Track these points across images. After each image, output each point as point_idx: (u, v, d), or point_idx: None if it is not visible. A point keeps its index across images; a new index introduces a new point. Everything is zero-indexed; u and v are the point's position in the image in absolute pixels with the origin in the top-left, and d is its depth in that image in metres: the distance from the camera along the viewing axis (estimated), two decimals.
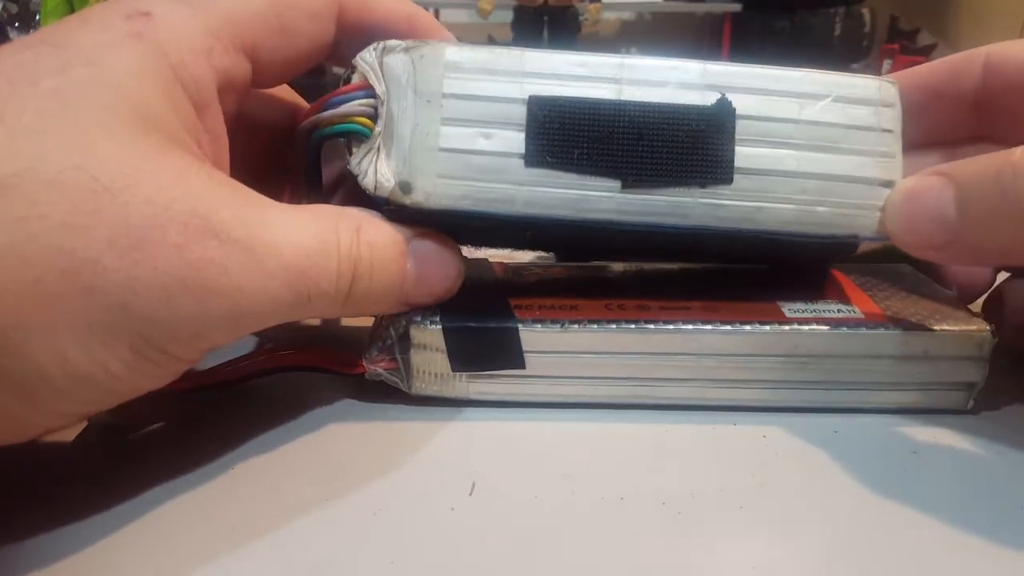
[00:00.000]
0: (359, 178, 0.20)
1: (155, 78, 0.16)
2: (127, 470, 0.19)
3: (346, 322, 0.26)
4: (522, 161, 0.20)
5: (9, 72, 0.15)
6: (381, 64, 0.20)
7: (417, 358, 0.21)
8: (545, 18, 0.88)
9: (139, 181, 0.15)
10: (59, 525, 0.17)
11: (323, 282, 0.18)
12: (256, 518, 0.18)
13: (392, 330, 0.21)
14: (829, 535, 0.17)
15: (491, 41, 1.11)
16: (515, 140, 0.20)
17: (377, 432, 0.21)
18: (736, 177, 0.20)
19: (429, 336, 0.21)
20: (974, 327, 0.21)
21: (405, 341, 0.21)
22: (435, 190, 0.20)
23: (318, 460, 0.20)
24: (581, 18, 0.92)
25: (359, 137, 0.20)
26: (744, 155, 0.20)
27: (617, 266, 0.26)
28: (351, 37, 0.21)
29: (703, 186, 0.20)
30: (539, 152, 0.20)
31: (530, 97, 0.20)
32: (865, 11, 1.11)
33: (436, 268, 0.21)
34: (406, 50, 0.20)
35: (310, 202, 0.21)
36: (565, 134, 0.20)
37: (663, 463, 0.20)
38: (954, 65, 0.24)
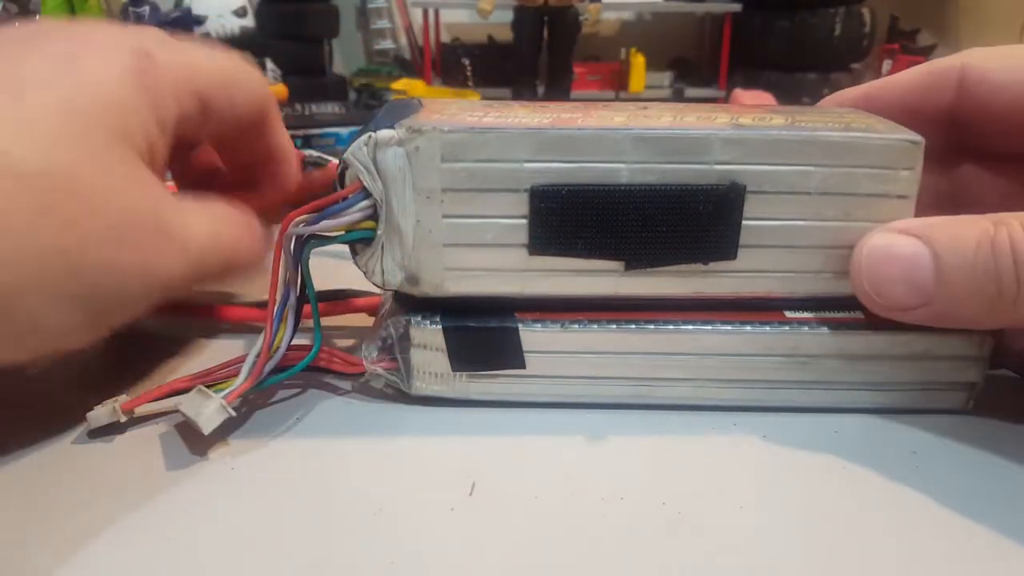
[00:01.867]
0: (366, 275, 0.21)
1: (141, 109, 0.19)
2: (125, 469, 0.19)
3: (346, 322, 0.26)
4: (526, 250, 0.20)
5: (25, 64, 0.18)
6: (375, 161, 0.19)
7: (417, 358, 0.21)
8: (545, 18, 0.87)
9: (122, 188, 0.19)
10: (59, 524, 0.17)
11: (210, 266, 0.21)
12: (256, 518, 0.18)
13: (392, 330, 0.21)
14: (829, 535, 0.17)
15: (490, 41, 1.10)
16: (518, 229, 0.20)
17: (377, 432, 0.21)
18: (740, 252, 0.20)
19: (429, 336, 0.21)
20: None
21: (405, 341, 0.21)
22: (442, 282, 0.21)
23: (318, 460, 0.20)
24: (581, 18, 0.92)
25: (364, 240, 0.20)
26: (750, 228, 0.20)
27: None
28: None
29: (706, 264, 0.20)
30: (542, 242, 0.20)
31: (532, 188, 0.20)
32: (865, 11, 1.11)
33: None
34: (400, 143, 0.19)
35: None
36: (568, 223, 0.20)
37: (663, 463, 0.20)
38: (928, 81, 0.24)
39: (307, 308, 0.22)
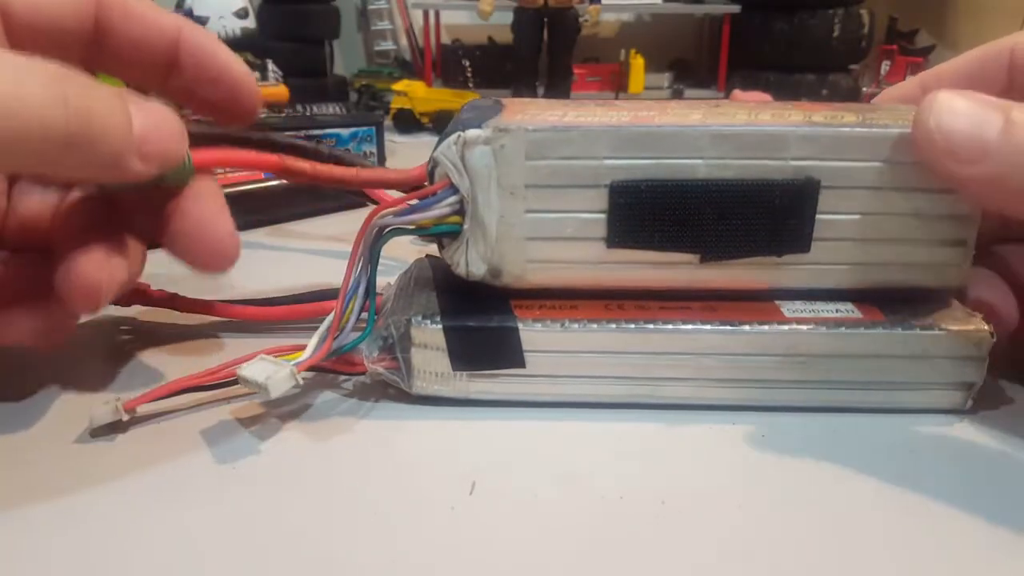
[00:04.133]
0: (451, 267, 0.21)
1: None
2: (127, 469, 0.19)
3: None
4: (604, 243, 0.21)
5: None
6: (463, 159, 0.20)
7: (418, 357, 0.22)
8: (545, 19, 0.88)
9: None
10: (59, 522, 0.17)
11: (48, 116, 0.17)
12: (256, 517, 0.18)
13: (393, 329, 0.22)
14: (828, 535, 0.17)
15: (490, 42, 1.11)
16: (597, 224, 0.21)
17: (377, 432, 0.21)
18: (814, 244, 0.21)
19: (430, 335, 0.21)
20: (973, 327, 0.21)
21: (406, 340, 0.21)
22: (523, 274, 0.21)
23: (318, 460, 0.20)
24: (581, 19, 0.92)
25: (450, 233, 0.21)
26: (824, 222, 0.21)
27: None
28: (114, 44, 0.22)
29: (780, 256, 0.21)
30: (621, 235, 0.21)
31: (612, 184, 0.20)
32: (864, 12, 1.11)
33: (162, 125, 0.19)
34: (487, 142, 0.20)
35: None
36: (646, 217, 0.21)
37: (663, 463, 0.20)
38: (980, 67, 0.24)
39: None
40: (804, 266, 0.21)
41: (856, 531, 0.17)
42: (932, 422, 0.22)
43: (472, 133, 0.20)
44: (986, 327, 0.21)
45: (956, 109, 0.19)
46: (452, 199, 0.21)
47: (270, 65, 0.69)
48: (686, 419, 0.22)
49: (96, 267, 0.20)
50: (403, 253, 0.33)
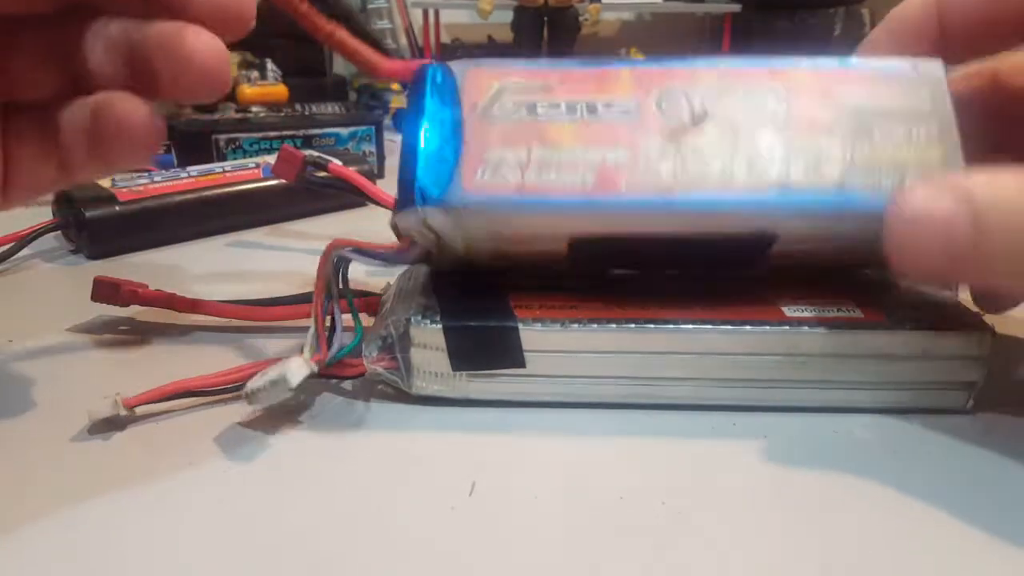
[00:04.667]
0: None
1: None
2: (125, 468, 0.19)
3: (346, 322, 0.26)
4: (567, 256, 0.22)
5: None
6: (426, 225, 0.20)
7: (417, 357, 0.21)
8: (545, 18, 0.88)
9: None
10: (57, 520, 0.17)
11: None
12: (256, 517, 0.18)
13: (392, 329, 0.21)
14: (829, 535, 0.17)
15: (490, 41, 1.11)
16: (560, 247, 0.21)
17: (377, 432, 0.21)
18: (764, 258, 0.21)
19: (429, 335, 0.21)
20: (973, 327, 0.21)
21: (405, 340, 0.21)
22: (492, 262, 0.23)
23: (317, 460, 0.20)
24: (581, 18, 0.92)
25: None
26: (778, 253, 0.21)
27: None
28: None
29: (735, 276, 0.23)
30: (582, 265, 0.22)
31: (570, 239, 0.21)
32: (865, 11, 1.11)
33: None
34: (448, 217, 0.20)
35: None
36: (606, 257, 0.22)
37: (663, 463, 0.20)
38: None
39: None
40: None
41: (857, 531, 0.17)
42: (933, 422, 0.22)
43: (432, 215, 0.20)
44: (987, 327, 0.21)
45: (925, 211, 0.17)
46: (415, 254, 0.22)
47: (269, 64, 0.69)
48: (686, 419, 0.22)
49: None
50: None
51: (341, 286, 0.23)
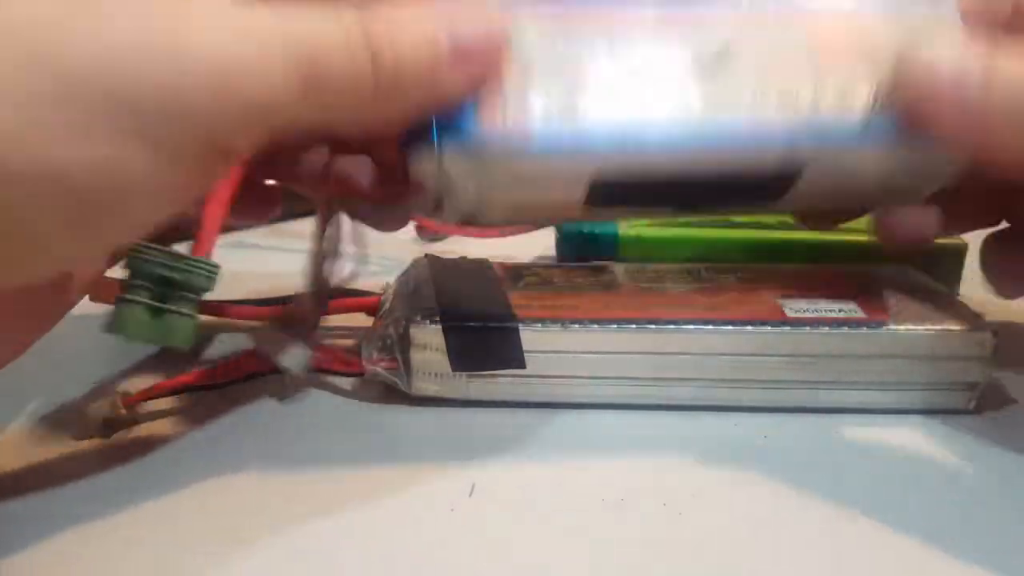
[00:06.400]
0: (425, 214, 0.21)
1: None
2: (124, 465, 0.19)
3: (346, 322, 0.26)
4: (584, 203, 0.19)
5: None
6: (440, 168, 0.18)
7: (417, 358, 0.21)
8: None
9: None
10: (59, 520, 0.17)
11: (334, 56, 0.15)
12: (256, 517, 0.18)
13: (392, 330, 0.21)
14: (830, 535, 0.17)
15: None
16: (579, 196, 0.19)
17: (377, 432, 0.21)
18: (790, 192, 0.20)
19: (429, 336, 0.21)
20: (976, 327, 0.21)
21: (405, 341, 0.21)
22: (499, 219, 0.21)
23: (318, 460, 0.20)
24: None
25: None
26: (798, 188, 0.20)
27: (618, 266, 0.26)
28: None
29: (759, 206, 0.21)
30: (601, 206, 0.20)
31: (590, 183, 0.19)
32: None
33: (474, 27, 0.16)
34: (465, 164, 0.18)
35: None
36: (626, 197, 0.20)
37: (663, 463, 0.20)
38: None
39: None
40: (784, 201, 0.20)
41: (858, 531, 0.17)
42: (936, 422, 0.21)
43: (450, 160, 0.18)
44: (989, 327, 0.21)
45: (941, 60, 0.18)
46: (428, 198, 0.19)
47: None
48: (688, 420, 0.22)
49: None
50: (403, 253, 0.33)
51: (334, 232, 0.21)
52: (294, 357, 0.20)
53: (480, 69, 0.17)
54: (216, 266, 0.20)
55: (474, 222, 0.20)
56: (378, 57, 0.15)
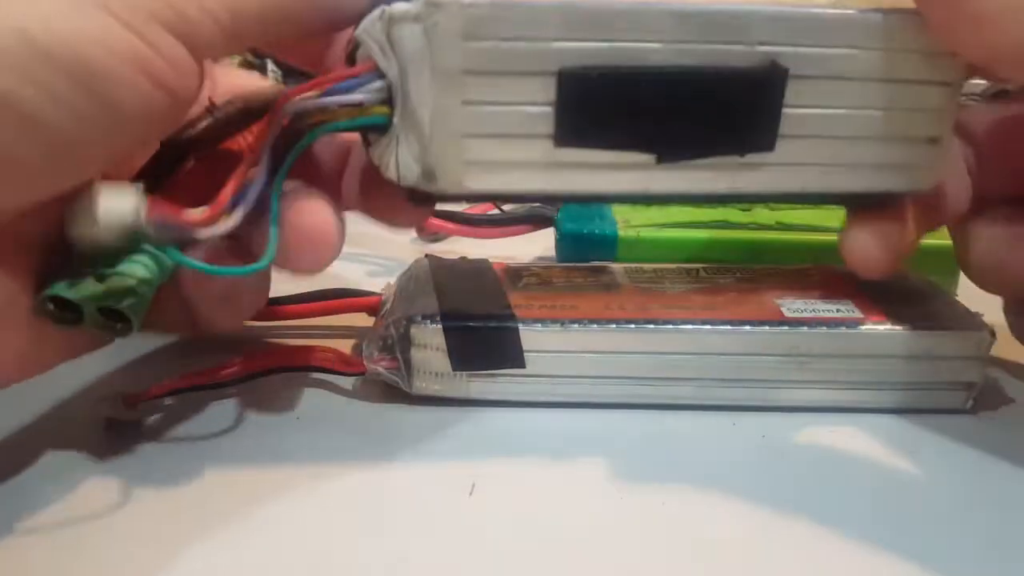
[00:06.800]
0: (381, 170, 0.19)
1: None
2: (124, 466, 0.19)
3: (346, 322, 0.26)
4: (551, 141, 0.18)
5: None
6: (389, 39, 0.17)
7: (418, 357, 0.21)
8: None
9: None
10: (60, 521, 0.17)
11: None
12: (256, 517, 0.18)
13: (393, 329, 0.21)
14: (828, 535, 0.17)
15: None
16: (545, 119, 0.18)
17: (377, 432, 0.21)
18: (779, 142, 0.19)
19: (430, 335, 0.21)
20: (973, 327, 0.21)
21: (405, 340, 0.21)
22: (462, 177, 0.19)
23: (318, 459, 0.20)
24: None
25: (376, 127, 0.18)
26: (790, 117, 0.19)
27: (617, 266, 0.26)
28: None
29: (742, 155, 0.19)
30: (570, 131, 0.18)
31: (561, 70, 0.18)
32: None
33: None
34: (417, 19, 0.17)
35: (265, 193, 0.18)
36: (599, 110, 0.18)
37: (663, 463, 0.20)
38: None
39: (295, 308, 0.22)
40: (768, 167, 0.19)
41: (857, 531, 0.17)
42: (933, 422, 0.22)
43: (400, 7, 0.17)
44: (986, 327, 0.21)
45: None
46: (377, 84, 0.18)
47: (269, 64, 0.69)
48: (686, 419, 0.22)
49: (328, 211, 0.18)
50: (403, 253, 0.33)
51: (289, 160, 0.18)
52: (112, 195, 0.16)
53: None
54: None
55: (432, 178, 0.19)
56: None
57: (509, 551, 0.17)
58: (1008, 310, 0.23)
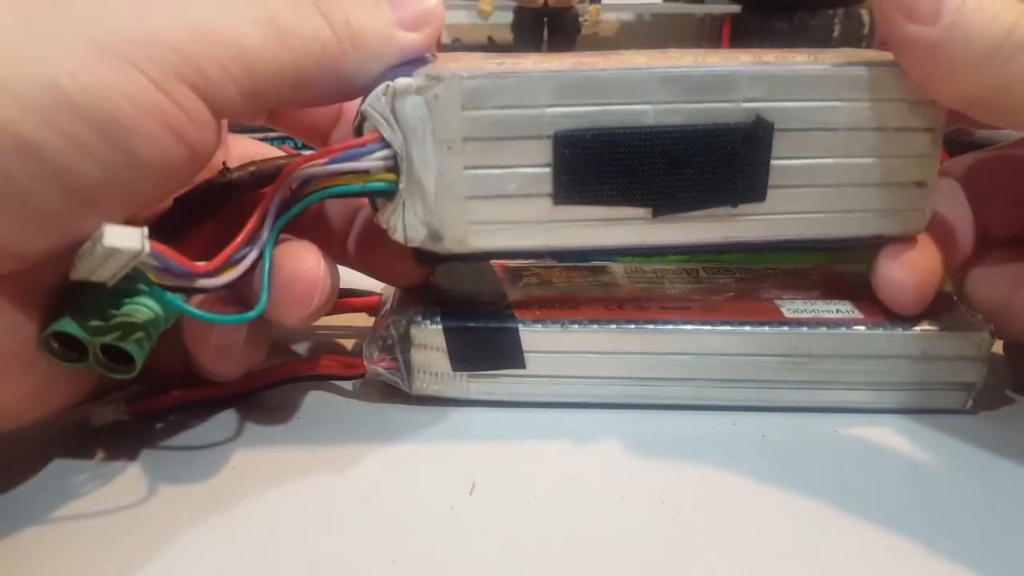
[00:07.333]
0: (388, 232, 0.20)
1: None
2: (125, 468, 0.19)
3: (346, 322, 0.26)
4: (551, 200, 0.20)
5: None
6: (394, 111, 0.19)
7: (418, 358, 0.22)
8: (545, 19, 0.88)
9: None
10: (60, 521, 0.17)
11: (293, 14, 0.18)
12: (256, 517, 0.18)
13: (393, 330, 0.21)
14: (828, 535, 0.17)
15: (490, 42, 1.11)
16: (543, 179, 0.20)
17: (377, 432, 0.21)
18: (770, 193, 0.20)
19: (430, 336, 0.21)
20: (973, 328, 0.21)
21: (405, 341, 0.21)
22: (465, 237, 0.20)
23: (318, 460, 0.20)
24: (581, 19, 0.92)
25: (383, 193, 0.19)
26: (779, 168, 0.20)
27: (617, 266, 0.26)
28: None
29: (735, 206, 0.20)
30: (568, 190, 0.20)
31: (556, 134, 0.19)
32: (864, 12, 1.11)
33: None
34: (419, 91, 0.18)
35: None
36: (594, 168, 0.19)
37: (662, 463, 0.20)
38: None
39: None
40: (760, 217, 0.20)
41: (856, 531, 0.17)
42: (933, 422, 0.22)
43: (403, 82, 0.18)
44: (986, 327, 0.21)
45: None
46: (383, 152, 0.19)
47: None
48: (686, 419, 0.22)
49: (315, 260, 0.19)
50: None
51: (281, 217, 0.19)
52: (116, 233, 0.15)
53: (433, 26, 0.19)
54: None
55: (438, 239, 0.20)
56: (331, 19, 0.18)
57: (509, 551, 0.17)
58: (1008, 355, 0.24)
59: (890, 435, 0.21)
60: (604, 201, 0.20)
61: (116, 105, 0.15)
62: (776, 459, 0.20)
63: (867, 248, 0.21)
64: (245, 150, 0.23)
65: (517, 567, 0.16)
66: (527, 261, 0.26)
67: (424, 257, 0.21)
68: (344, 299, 0.26)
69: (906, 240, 0.21)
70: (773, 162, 0.20)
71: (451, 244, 0.20)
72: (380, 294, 0.26)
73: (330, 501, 0.18)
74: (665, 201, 0.20)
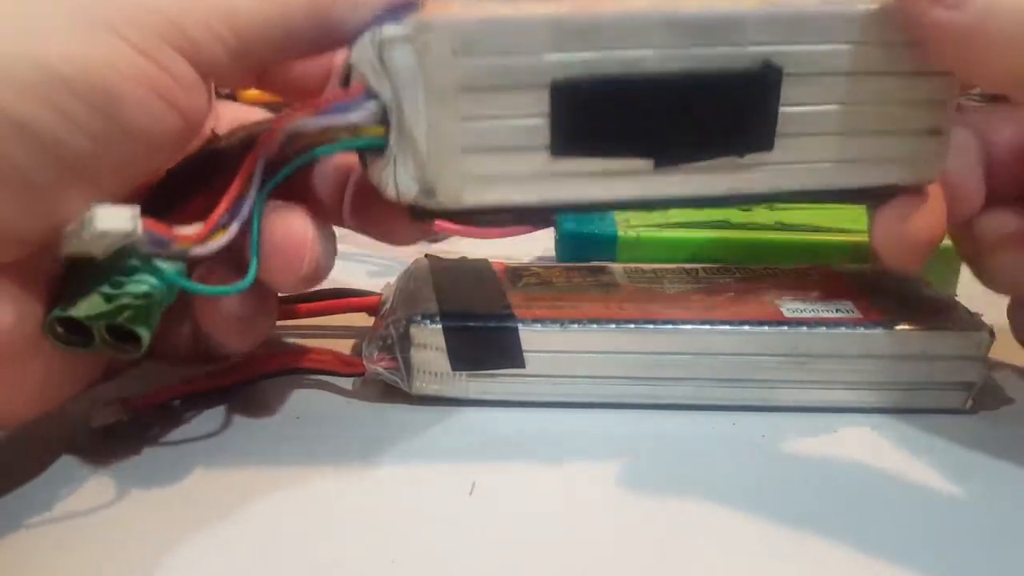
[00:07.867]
0: (379, 189, 0.19)
1: None
2: (125, 468, 0.19)
3: (346, 322, 0.26)
4: (548, 152, 0.18)
5: None
6: (382, 61, 0.17)
7: (417, 357, 0.22)
8: None
9: None
10: (60, 521, 0.17)
11: None
12: (256, 517, 0.18)
13: (392, 329, 0.22)
14: (828, 535, 0.17)
15: None
16: (540, 130, 0.18)
17: (376, 432, 0.21)
18: (778, 141, 0.19)
19: (429, 335, 0.21)
20: (972, 327, 0.21)
21: (405, 340, 0.21)
22: (460, 192, 0.18)
23: (317, 459, 0.20)
24: None
25: (373, 149, 0.18)
26: (787, 115, 0.19)
27: (617, 266, 0.26)
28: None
29: (741, 156, 0.19)
30: (566, 141, 0.18)
31: (553, 82, 0.18)
32: None
33: None
34: (408, 40, 0.17)
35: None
36: (593, 118, 0.18)
37: (663, 463, 0.20)
38: None
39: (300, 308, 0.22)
40: (767, 167, 0.19)
41: (856, 531, 0.17)
42: (932, 422, 0.22)
43: (390, 30, 0.17)
44: (986, 327, 0.21)
45: None
46: (371, 105, 0.18)
47: None
48: (686, 419, 0.22)
49: (304, 224, 0.19)
50: (403, 253, 0.33)
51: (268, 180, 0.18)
52: (104, 215, 0.15)
53: None
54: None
55: (431, 194, 0.19)
56: None
57: (509, 551, 0.17)
58: (1013, 311, 0.23)
59: (890, 435, 0.21)
60: (603, 153, 0.19)
61: (104, 76, 0.15)
62: (776, 459, 0.20)
63: (876, 199, 0.20)
64: (235, 115, 0.22)
65: (517, 567, 0.16)
66: (527, 261, 0.26)
67: (420, 214, 0.19)
68: (344, 299, 0.26)
69: (914, 191, 0.20)
70: (782, 109, 0.19)
71: (445, 200, 0.19)
72: (380, 294, 0.26)
73: (330, 501, 0.18)
74: (667, 152, 0.19)
